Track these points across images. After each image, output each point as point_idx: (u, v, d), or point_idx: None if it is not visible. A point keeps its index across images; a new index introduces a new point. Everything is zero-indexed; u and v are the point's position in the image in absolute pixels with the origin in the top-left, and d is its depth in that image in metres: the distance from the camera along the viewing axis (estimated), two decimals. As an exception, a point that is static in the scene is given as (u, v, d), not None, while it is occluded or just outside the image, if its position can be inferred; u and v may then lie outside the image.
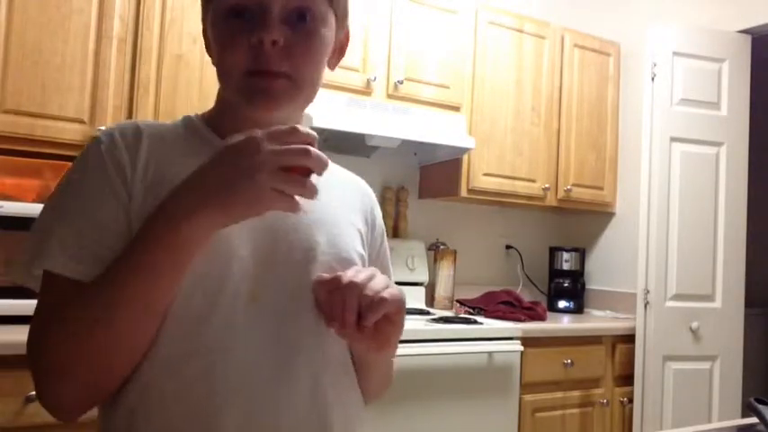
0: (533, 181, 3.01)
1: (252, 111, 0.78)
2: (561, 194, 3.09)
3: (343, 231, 0.87)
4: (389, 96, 2.62)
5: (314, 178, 0.66)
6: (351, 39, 0.90)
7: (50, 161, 1.97)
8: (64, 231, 0.72)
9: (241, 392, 0.73)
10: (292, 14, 0.77)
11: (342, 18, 0.85)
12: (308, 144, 0.65)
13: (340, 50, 0.87)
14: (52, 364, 0.71)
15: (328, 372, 0.81)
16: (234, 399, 0.73)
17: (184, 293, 0.72)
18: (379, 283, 0.76)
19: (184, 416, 0.72)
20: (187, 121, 0.86)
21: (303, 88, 0.79)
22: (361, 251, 0.89)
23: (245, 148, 0.64)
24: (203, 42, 0.87)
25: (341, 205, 0.90)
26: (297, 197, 0.65)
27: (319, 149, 0.66)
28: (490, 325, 2.48)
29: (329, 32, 0.81)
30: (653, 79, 2.80)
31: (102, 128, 0.82)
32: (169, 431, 0.72)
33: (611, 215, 3.32)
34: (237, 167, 0.63)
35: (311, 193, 0.65)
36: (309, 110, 2.35)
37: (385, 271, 0.96)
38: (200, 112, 0.88)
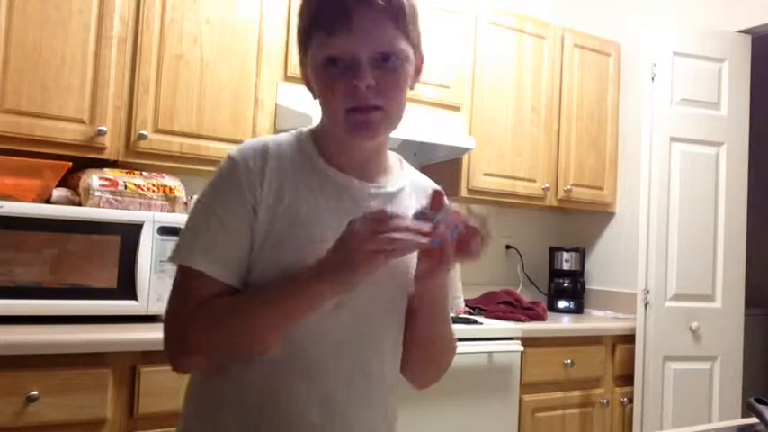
0: (533, 181, 3.01)
1: (356, 141, 0.95)
2: (561, 194, 3.09)
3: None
4: (389, 96, 2.61)
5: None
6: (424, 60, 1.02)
7: (50, 161, 1.97)
8: (208, 237, 0.92)
9: (312, 385, 0.91)
10: (379, 58, 0.91)
11: (417, 47, 0.97)
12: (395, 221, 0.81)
13: (417, 72, 0.99)
14: (187, 340, 0.91)
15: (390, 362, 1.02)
16: (313, 392, 0.91)
17: None
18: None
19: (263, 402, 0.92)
20: (299, 139, 1.00)
21: (393, 117, 0.96)
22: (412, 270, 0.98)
23: (348, 239, 0.82)
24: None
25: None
26: None
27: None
28: (490, 325, 2.48)
29: (410, 66, 0.95)
30: (653, 79, 2.80)
31: (234, 149, 1.01)
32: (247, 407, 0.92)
33: (611, 215, 3.32)
34: (340, 255, 0.83)
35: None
36: (309, 110, 2.36)
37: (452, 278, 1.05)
38: (312, 126, 1.02)
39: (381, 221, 0.81)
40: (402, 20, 0.93)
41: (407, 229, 0.80)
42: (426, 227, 0.82)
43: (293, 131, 1.02)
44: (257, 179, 0.93)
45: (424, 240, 0.81)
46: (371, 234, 0.80)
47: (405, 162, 1.09)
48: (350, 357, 0.94)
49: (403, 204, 1.00)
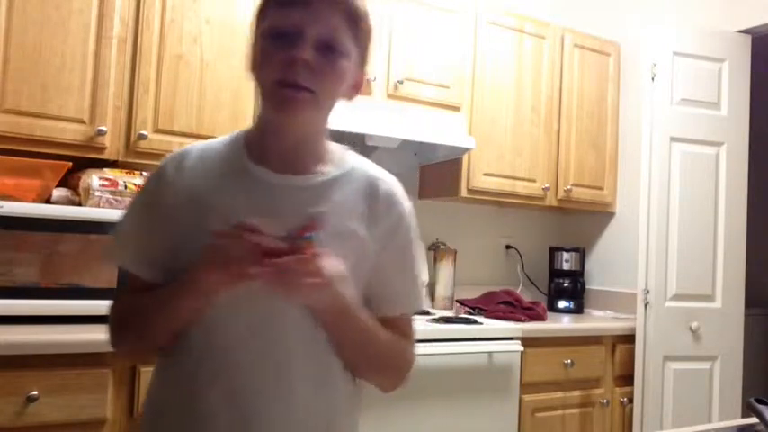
0: (533, 181, 3.01)
1: (280, 117, 0.97)
2: (561, 194, 3.09)
3: (338, 244, 0.96)
4: (389, 96, 2.62)
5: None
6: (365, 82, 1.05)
7: (50, 161, 1.97)
8: (129, 236, 1.02)
9: (223, 370, 0.93)
10: (323, 44, 0.93)
11: (363, 60, 1.01)
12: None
13: (356, 87, 1.02)
14: (112, 329, 1.02)
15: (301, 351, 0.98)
16: (218, 374, 0.93)
17: None
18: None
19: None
20: (233, 139, 1.04)
21: (321, 103, 0.96)
22: (353, 258, 0.97)
23: (204, 254, 0.90)
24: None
25: (339, 212, 0.99)
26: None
27: None
28: (490, 325, 2.48)
29: (350, 66, 0.97)
30: (653, 79, 2.80)
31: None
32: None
33: (611, 215, 3.32)
34: (198, 268, 0.90)
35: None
36: (309, 110, 2.36)
37: (403, 270, 1.05)
38: (249, 126, 1.06)
39: (236, 237, 0.86)
40: (355, 22, 0.96)
41: (256, 249, 0.85)
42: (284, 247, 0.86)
43: (235, 132, 1.06)
44: (172, 181, 0.99)
45: (254, 271, 0.85)
46: (223, 254, 0.87)
47: (351, 153, 1.07)
48: (259, 353, 0.93)
49: (336, 194, 0.99)
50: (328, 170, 1.01)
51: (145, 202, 1.03)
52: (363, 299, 1.01)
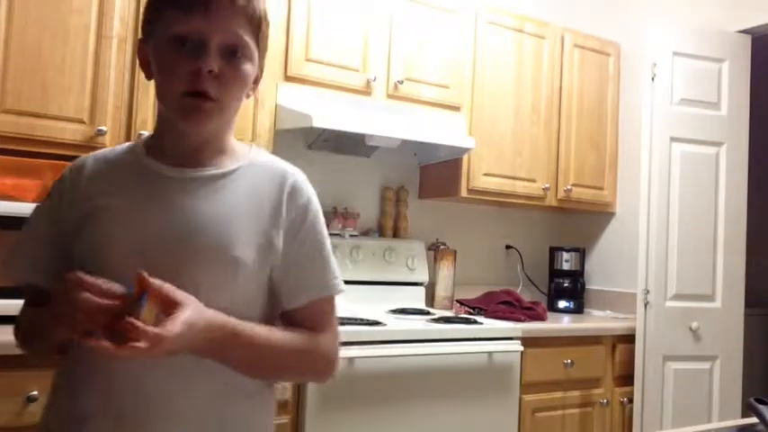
0: (533, 181, 3.01)
1: (185, 126, 0.97)
2: (561, 194, 3.09)
3: (234, 232, 0.97)
4: (389, 96, 2.62)
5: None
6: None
7: (50, 161, 1.97)
8: (20, 246, 1.05)
9: (103, 371, 0.93)
10: (226, 49, 0.94)
11: (262, 55, 1.02)
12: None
13: (255, 81, 1.03)
14: (16, 334, 1.07)
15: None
16: (94, 376, 0.94)
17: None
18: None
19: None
20: (133, 144, 1.06)
21: (226, 111, 0.98)
22: (253, 246, 0.98)
23: (54, 294, 0.91)
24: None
25: (242, 203, 0.99)
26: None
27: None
28: (490, 325, 2.48)
29: (253, 68, 1.00)
30: (653, 79, 2.80)
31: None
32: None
33: (611, 215, 3.32)
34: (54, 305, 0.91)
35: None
36: (309, 110, 2.36)
37: (311, 258, 1.04)
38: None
39: (73, 290, 0.85)
40: (257, 23, 0.98)
41: (89, 307, 0.83)
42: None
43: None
44: (69, 187, 1.01)
45: (91, 341, 0.82)
46: (65, 305, 0.86)
47: (255, 148, 1.08)
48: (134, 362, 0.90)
49: (233, 186, 1.00)
50: (225, 164, 1.02)
51: (42, 210, 1.05)
52: (274, 291, 1.02)
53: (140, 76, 2.12)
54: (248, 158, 1.04)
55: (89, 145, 2.04)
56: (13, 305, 1.77)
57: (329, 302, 1.07)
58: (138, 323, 0.80)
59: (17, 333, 1.05)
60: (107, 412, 0.92)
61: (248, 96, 1.02)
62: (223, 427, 0.96)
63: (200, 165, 1.00)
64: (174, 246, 0.95)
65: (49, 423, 1.00)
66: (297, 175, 1.06)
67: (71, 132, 2.02)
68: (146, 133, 2.08)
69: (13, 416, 1.61)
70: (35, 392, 1.63)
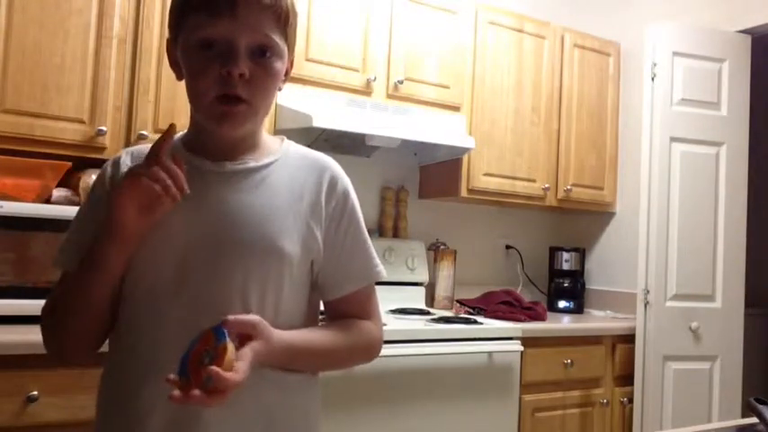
0: (533, 181, 3.01)
1: (219, 130, 0.97)
2: (561, 194, 3.09)
3: (277, 225, 0.97)
4: (389, 96, 2.62)
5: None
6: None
7: (50, 161, 1.97)
8: (72, 240, 1.01)
9: (155, 365, 0.91)
10: (256, 50, 0.93)
11: (291, 49, 1.01)
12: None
13: (286, 74, 1.02)
14: (42, 326, 1.00)
15: None
16: (150, 370, 0.92)
17: (132, 284, 0.97)
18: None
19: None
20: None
21: (258, 113, 0.98)
22: (296, 239, 0.98)
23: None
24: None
25: (282, 196, 1.00)
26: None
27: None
28: (490, 325, 2.48)
29: (283, 65, 0.99)
30: (653, 79, 2.80)
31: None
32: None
33: (611, 215, 3.32)
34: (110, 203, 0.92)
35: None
36: (309, 110, 2.36)
37: (353, 248, 1.05)
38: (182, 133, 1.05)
39: (147, 165, 0.87)
40: (284, 19, 0.96)
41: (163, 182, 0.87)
42: None
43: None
44: (108, 182, 1.01)
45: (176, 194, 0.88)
46: (134, 175, 0.87)
47: (288, 141, 1.09)
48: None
49: (271, 178, 1.00)
50: (262, 157, 1.02)
51: (88, 204, 1.05)
52: (317, 282, 1.03)
53: (140, 75, 2.13)
54: (282, 151, 1.05)
55: (89, 145, 2.05)
56: (14, 305, 1.78)
57: (372, 288, 1.09)
58: (223, 373, 0.79)
59: (43, 324, 0.99)
60: (164, 410, 0.91)
61: (279, 90, 1.02)
62: (270, 414, 0.96)
63: (239, 158, 1.00)
64: (217, 240, 0.95)
65: (102, 423, 1.00)
66: (334, 165, 1.07)
67: (71, 132, 2.02)
68: (146, 133, 2.11)
69: (13, 416, 1.61)
70: (35, 392, 1.63)
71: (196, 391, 0.79)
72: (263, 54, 0.94)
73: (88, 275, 0.93)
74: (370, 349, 1.09)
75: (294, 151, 1.07)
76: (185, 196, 0.93)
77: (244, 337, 0.87)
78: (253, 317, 0.89)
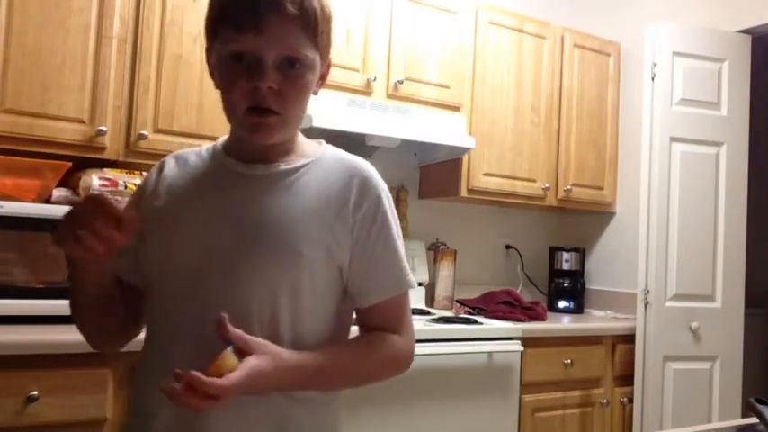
0: (533, 181, 3.01)
1: (252, 140, 0.97)
2: (561, 194, 3.09)
3: (299, 230, 0.96)
4: (389, 96, 2.62)
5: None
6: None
7: (50, 161, 1.97)
8: None
9: (168, 363, 0.89)
10: (284, 62, 0.93)
11: (325, 54, 1.00)
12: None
13: (322, 78, 1.03)
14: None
15: None
16: (163, 367, 0.90)
17: (158, 280, 1.00)
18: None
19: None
20: (212, 147, 1.07)
21: (290, 122, 0.98)
22: (318, 244, 0.96)
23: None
24: (203, 53, 1.04)
25: (309, 200, 0.98)
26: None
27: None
28: (490, 325, 2.48)
29: (315, 75, 0.98)
30: (653, 79, 2.80)
31: None
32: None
33: (611, 215, 3.32)
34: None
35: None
36: (310, 110, 2.36)
37: (383, 257, 1.02)
38: (225, 136, 1.08)
39: (79, 211, 0.85)
40: (313, 27, 0.95)
41: (94, 230, 0.82)
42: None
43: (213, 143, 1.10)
44: (151, 186, 1.04)
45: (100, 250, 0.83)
46: (70, 219, 0.84)
47: (324, 144, 1.08)
48: (201, 346, 0.89)
49: (300, 182, 1.00)
50: (294, 160, 1.02)
51: (130, 204, 1.07)
52: (346, 291, 1.01)
53: (140, 75, 2.13)
54: (317, 154, 1.04)
55: (89, 145, 2.05)
56: (14, 305, 1.78)
57: (403, 298, 1.06)
58: (202, 377, 0.79)
59: (76, 321, 1.03)
60: (171, 409, 0.89)
61: (315, 94, 1.02)
62: (282, 428, 0.95)
63: (272, 162, 1.01)
64: (236, 242, 0.95)
65: (128, 419, 1.03)
66: (367, 169, 1.04)
67: (71, 132, 2.02)
68: (146, 133, 2.11)
69: (13, 416, 1.61)
70: (35, 392, 1.63)
71: (177, 386, 0.80)
72: (291, 66, 0.93)
73: (71, 282, 0.96)
74: (396, 365, 1.06)
75: (330, 155, 1.05)
76: (211, 197, 0.97)
77: (245, 354, 0.86)
78: (257, 339, 0.89)
